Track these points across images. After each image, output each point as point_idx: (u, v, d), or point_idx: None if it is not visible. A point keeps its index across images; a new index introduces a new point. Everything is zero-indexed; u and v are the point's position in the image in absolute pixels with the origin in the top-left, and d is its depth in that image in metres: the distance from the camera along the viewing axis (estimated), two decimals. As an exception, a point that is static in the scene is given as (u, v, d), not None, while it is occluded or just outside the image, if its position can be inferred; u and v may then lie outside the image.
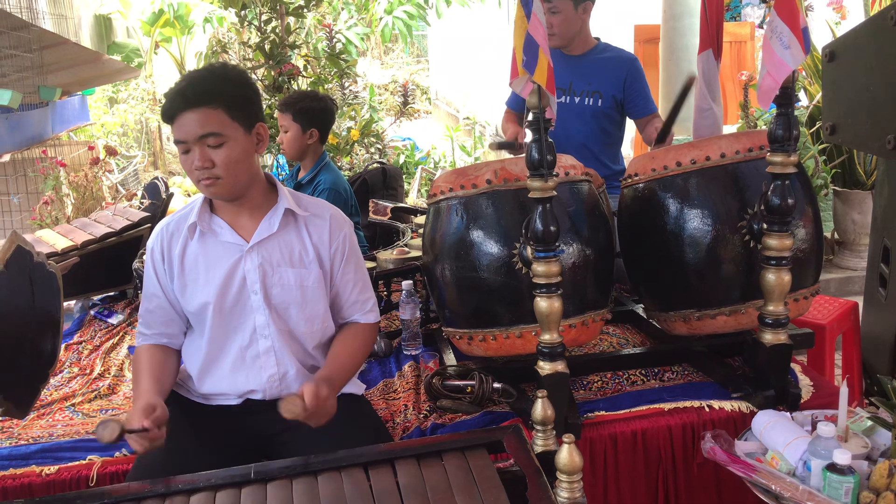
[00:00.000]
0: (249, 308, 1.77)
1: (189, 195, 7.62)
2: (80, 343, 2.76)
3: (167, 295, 1.81)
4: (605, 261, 2.14)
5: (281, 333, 1.79)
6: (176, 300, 1.81)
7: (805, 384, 2.13)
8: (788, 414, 1.86)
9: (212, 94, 1.65)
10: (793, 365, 2.17)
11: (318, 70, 5.16)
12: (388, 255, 2.75)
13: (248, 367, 1.79)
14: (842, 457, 1.55)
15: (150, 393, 1.67)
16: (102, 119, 8.47)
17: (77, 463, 1.94)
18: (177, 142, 1.67)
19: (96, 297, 3.20)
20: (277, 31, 4.61)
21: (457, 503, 1.35)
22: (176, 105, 1.65)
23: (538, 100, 1.76)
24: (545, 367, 1.87)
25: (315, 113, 2.95)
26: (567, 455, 1.36)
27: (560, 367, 1.87)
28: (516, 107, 3.35)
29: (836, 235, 4.55)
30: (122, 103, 9.01)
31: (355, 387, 1.91)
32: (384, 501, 1.38)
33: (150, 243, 1.83)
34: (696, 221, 2.07)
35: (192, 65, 9.25)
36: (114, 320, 2.96)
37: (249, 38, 4.72)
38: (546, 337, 1.86)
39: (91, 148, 4.70)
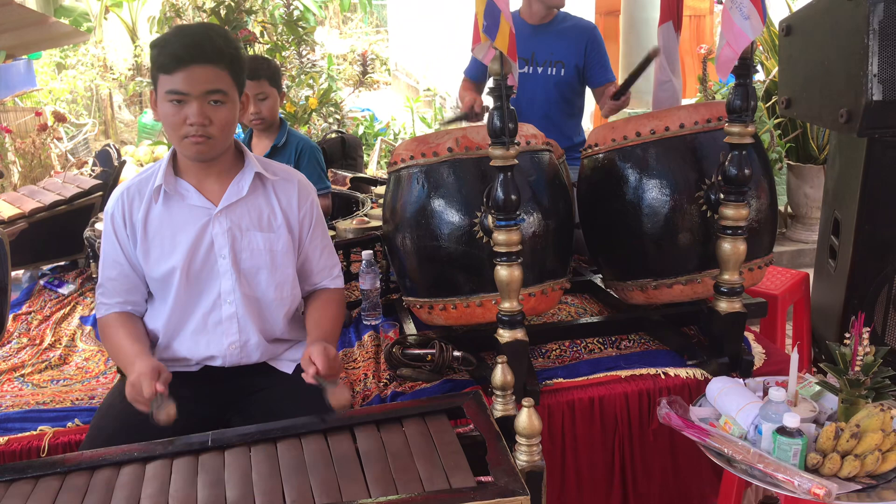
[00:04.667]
0: (216, 273, 1.74)
1: (141, 165, 7.44)
2: (30, 313, 2.69)
3: (130, 261, 1.77)
4: (564, 230, 2.15)
5: (246, 300, 1.76)
6: (139, 266, 1.77)
7: (758, 351, 2.18)
8: (741, 380, 1.90)
9: (223, 54, 1.63)
10: (746, 333, 2.22)
11: (275, 37, 5.06)
12: (347, 225, 2.72)
13: (209, 332, 1.77)
14: (791, 420, 1.59)
15: (144, 356, 1.64)
16: (50, 85, 8.20)
17: (27, 434, 1.90)
18: (174, 92, 1.60)
19: (46, 267, 3.12)
20: (234, -5, 4.51)
21: (417, 468, 1.36)
22: (187, 55, 1.59)
23: (500, 66, 1.74)
24: (505, 335, 1.88)
25: (279, 75, 2.88)
26: (526, 418, 1.37)
27: (519, 334, 1.88)
28: (474, 76, 3.33)
29: (789, 209, 4.65)
30: (70, 69, 8.72)
31: (314, 354, 1.89)
32: (344, 467, 1.37)
33: (110, 209, 1.77)
34: (654, 192, 2.09)
35: (144, 30, 8.98)
36: (64, 290, 2.89)
37: (204, 3, 4.60)
38: (506, 305, 1.87)
39: (38, 114, 4.54)
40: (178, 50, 1.60)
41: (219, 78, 1.63)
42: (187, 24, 1.77)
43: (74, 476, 1.40)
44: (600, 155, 2.21)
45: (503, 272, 1.82)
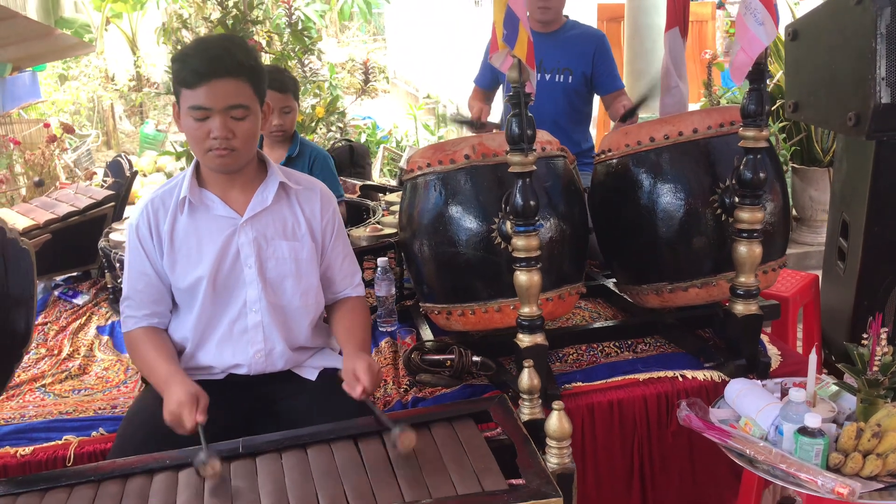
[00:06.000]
0: (242, 282, 1.76)
1: (145, 175, 7.46)
2: (46, 324, 2.71)
3: (157, 271, 1.78)
4: (579, 235, 2.17)
5: (271, 308, 1.78)
6: (165, 277, 1.78)
7: (773, 353, 2.20)
8: (759, 382, 1.92)
9: (244, 66, 1.64)
10: (761, 335, 2.23)
11: (281, 47, 5.08)
12: (361, 233, 2.74)
13: (234, 341, 1.78)
14: (812, 420, 1.61)
15: (180, 379, 1.64)
16: (53, 96, 8.22)
17: (53, 443, 1.91)
18: (197, 108, 1.62)
19: (59, 278, 3.13)
20: (240, 6, 4.53)
21: (448, 471, 1.38)
22: (208, 70, 1.60)
23: (518, 74, 1.77)
24: (525, 340, 1.90)
25: (299, 88, 2.91)
26: (557, 421, 1.39)
27: (539, 339, 1.90)
28: (485, 84, 3.36)
29: (794, 212, 4.68)
30: (73, 80, 8.75)
31: (337, 361, 1.91)
32: (376, 472, 1.39)
33: (134, 221, 1.78)
34: (668, 196, 2.11)
35: (145, 41, 9.03)
36: (79, 301, 2.91)
37: (210, 14, 4.63)
38: (526, 310, 1.89)
39: (47, 125, 4.56)
40: (199, 64, 1.62)
41: (240, 91, 1.65)
42: (207, 37, 1.79)
43: (108, 484, 1.42)
44: (614, 160, 2.24)
45: (523, 277, 1.84)
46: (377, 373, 1.63)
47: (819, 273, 3.00)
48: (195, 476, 1.41)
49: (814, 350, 1.81)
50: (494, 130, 2.95)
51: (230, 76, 1.63)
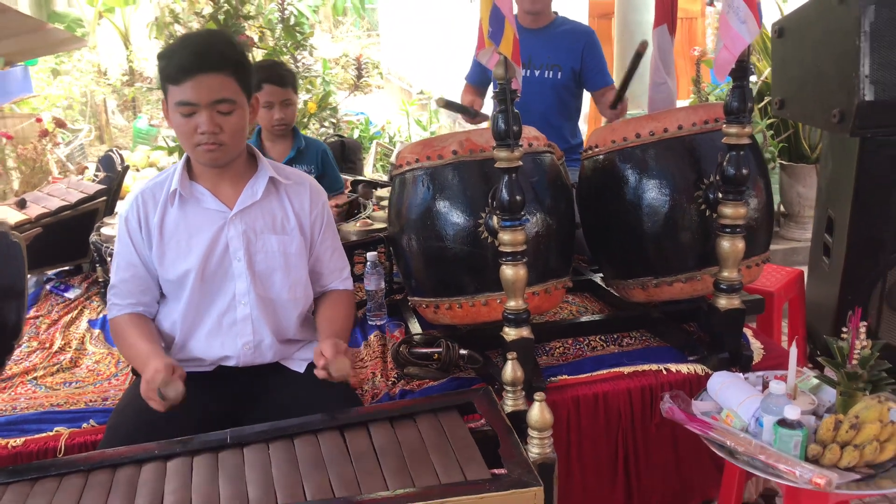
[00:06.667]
0: (231, 275, 1.78)
1: (138, 170, 7.45)
2: (38, 317, 2.73)
3: (144, 263, 1.80)
4: (566, 230, 2.19)
5: (260, 301, 1.80)
6: (153, 268, 1.80)
7: (756, 347, 2.23)
8: (741, 375, 1.95)
9: (229, 61, 1.67)
10: (744, 329, 2.26)
11: (273, 42, 5.10)
12: (351, 227, 2.76)
13: (223, 333, 1.80)
14: (792, 412, 1.64)
15: (158, 355, 1.67)
16: (46, 91, 8.21)
17: (44, 435, 1.93)
18: (183, 103, 1.64)
19: (51, 272, 3.14)
20: (232, 1, 4.54)
21: (432, 462, 1.40)
22: (192, 65, 1.62)
23: (504, 71, 1.79)
24: (511, 333, 1.92)
25: (297, 81, 2.93)
26: (539, 412, 1.41)
27: (525, 332, 1.92)
28: (476, 81, 3.38)
29: (781, 208, 4.71)
30: (65, 75, 8.73)
31: (325, 354, 1.93)
32: (361, 462, 1.41)
33: (124, 212, 1.81)
34: (654, 191, 2.14)
35: (138, 36, 9.00)
36: (71, 294, 2.93)
37: (202, 9, 4.64)
38: (512, 304, 1.91)
39: (39, 120, 4.56)
40: (184, 60, 1.64)
41: (225, 86, 1.67)
42: (192, 33, 1.82)
43: (97, 474, 1.44)
44: (600, 156, 2.26)
45: (509, 271, 1.86)
46: (344, 350, 1.66)
47: (805, 268, 3.03)
48: (182, 466, 1.43)
49: (794, 343, 1.84)
50: (485, 123, 2.96)
51: (214, 71, 1.65)
